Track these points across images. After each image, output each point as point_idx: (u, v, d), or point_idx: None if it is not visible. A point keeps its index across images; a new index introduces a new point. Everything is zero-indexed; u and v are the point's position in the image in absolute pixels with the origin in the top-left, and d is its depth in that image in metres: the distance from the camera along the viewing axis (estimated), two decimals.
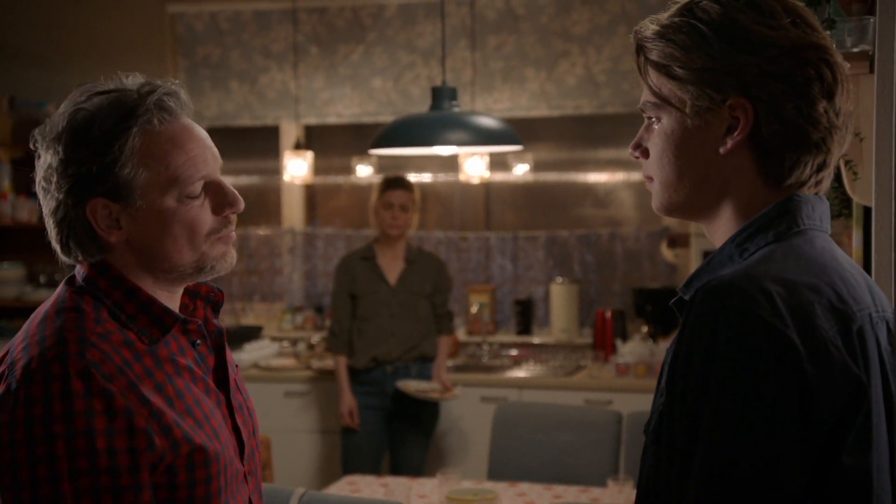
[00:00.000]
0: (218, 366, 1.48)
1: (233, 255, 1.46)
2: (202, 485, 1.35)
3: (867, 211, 2.25)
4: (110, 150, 1.34)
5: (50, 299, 1.41)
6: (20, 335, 1.36)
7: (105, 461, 1.26)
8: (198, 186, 1.39)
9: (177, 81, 1.43)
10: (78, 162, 1.34)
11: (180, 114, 1.40)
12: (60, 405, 1.26)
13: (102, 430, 1.27)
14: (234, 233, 1.45)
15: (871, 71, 1.91)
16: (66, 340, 1.30)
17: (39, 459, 1.25)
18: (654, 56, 1.23)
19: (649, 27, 1.25)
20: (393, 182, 4.47)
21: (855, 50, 1.92)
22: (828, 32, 1.25)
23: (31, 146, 1.40)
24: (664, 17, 1.24)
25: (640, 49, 1.26)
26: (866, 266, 2.21)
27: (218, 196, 1.42)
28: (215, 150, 1.44)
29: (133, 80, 1.40)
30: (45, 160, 1.37)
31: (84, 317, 1.34)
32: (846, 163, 2.00)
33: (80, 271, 1.42)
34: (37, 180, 1.40)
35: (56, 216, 1.38)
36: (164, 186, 1.37)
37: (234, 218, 1.44)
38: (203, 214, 1.40)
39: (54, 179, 1.36)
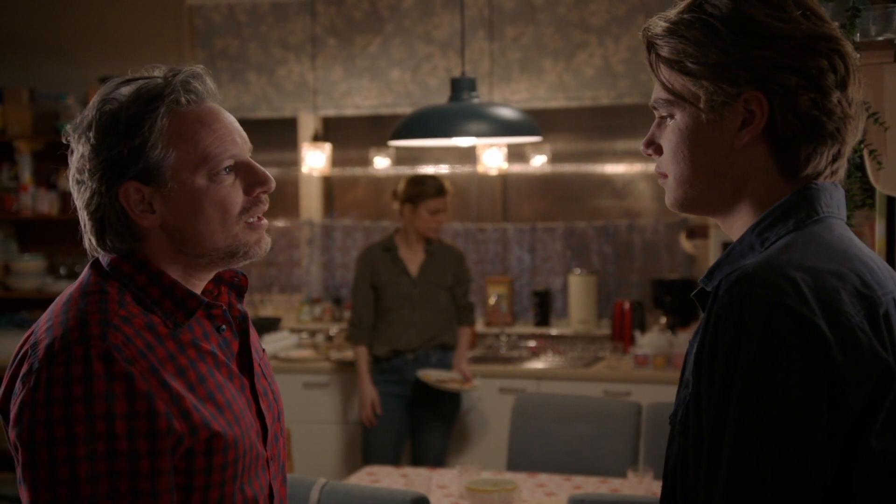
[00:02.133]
0: (242, 350, 1.49)
1: (267, 241, 1.46)
2: (218, 471, 1.36)
3: (890, 201, 2.24)
4: (139, 131, 1.36)
5: (75, 283, 1.42)
6: (45, 316, 1.37)
7: (124, 445, 1.27)
8: (227, 164, 1.40)
9: (202, 66, 1.44)
10: (109, 147, 1.36)
11: (206, 97, 1.42)
12: (81, 387, 1.26)
13: (122, 414, 1.27)
14: (265, 220, 1.45)
15: None
16: (89, 323, 1.31)
17: (58, 441, 1.26)
18: (665, 52, 1.24)
19: (659, 24, 1.25)
20: (438, 188, 4.42)
21: (879, 39, 1.91)
22: (836, 24, 1.25)
23: (64, 141, 1.42)
24: (673, 13, 1.25)
25: (650, 46, 1.26)
26: (889, 256, 2.20)
27: (248, 176, 1.43)
28: (243, 132, 1.45)
29: (159, 70, 1.43)
30: (78, 151, 1.39)
31: (108, 299, 1.35)
32: (870, 152, 1.99)
33: (103, 256, 1.42)
34: (70, 175, 1.41)
35: (90, 207, 1.39)
36: (195, 166, 1.38)
37: (265, 198, 1.44)
38: (234, 194, 1.41)
39: (87, 168, 1.38)
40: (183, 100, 1.38)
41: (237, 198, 1.41)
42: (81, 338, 1.29)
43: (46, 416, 1.26)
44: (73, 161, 1.40)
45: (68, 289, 1.42)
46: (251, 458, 1.42)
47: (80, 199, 1.41)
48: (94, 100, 1.40)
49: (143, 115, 1.36)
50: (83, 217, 1.41)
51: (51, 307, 1.39)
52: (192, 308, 1.41)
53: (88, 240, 1.42)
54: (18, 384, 1.31)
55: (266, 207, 1.45)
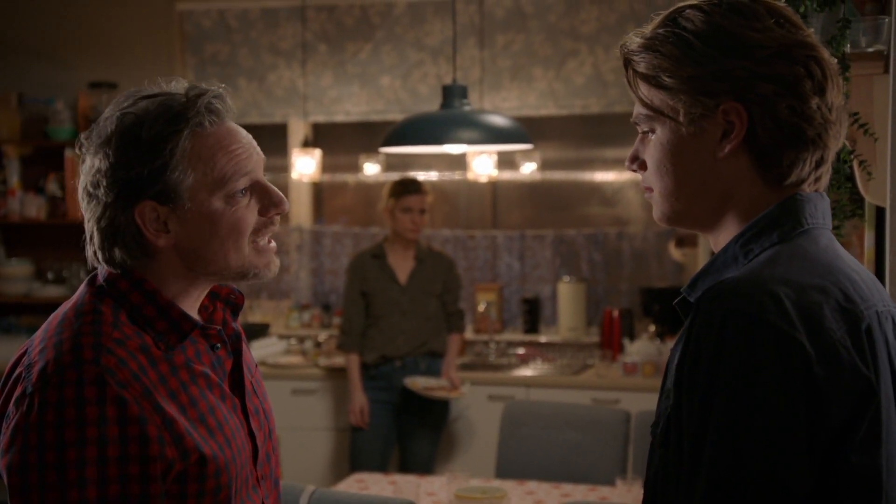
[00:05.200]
0: (234, 369, 1.47)
1: (276, 263, 1.46)
2: (211, 495, 1.35)
3: (879, 211, 2.25)
4: (161, 153, 1.34)
5: (71, 299, 1.41)
6: (38, 336, 1.36)
7: (115, 470, 1.26)
8: (242, 183, 1.39)
9: (223, 86, 1.43)
10: (128, 165, 1.34)
11: (226, 117, 1.41)
12: (73, 411, 1.25)
13: (115, 438, 1.26)
14: (273, 243, 1.45)
15: (886, 71, 1.91)
16: (82, 346, 1.30)
17: (49, 465, 1.24)
18: (642, 68, 1.24)
19: (634, 40, 1.25)
20: (411, 186, 4.45)
21: (869, 50, 1.92)
22: (811, 30, 1.25)
23: (77, 151, 1.40)
24: (648, 29, 1.25)
25: (627, 63, 1.27)
26: (879, 267, 2.21)
27: (264, 197, 1.42)
28: (259, 149, 1.45)
29: (177, 85, 1.41)
30: (93, 165, 1.36)
31: (102, 320, 1.34)
32: (860, 163, 2.00)
33: (101, 271, 1.41)
34: (81, 186, 1.39)
35: (101, 222, 1.37)
36: (212, 188, 1.37)
37: (277, 220, 1.44)
38: (248, 215, 1.40)
39: (103, 184, 1.35)
40: (206, 122, 1.37)
41: (251, 218, 1.41)
42: (74, 362, 1.28)
43: (38, 439, 1.25)
44: (86, 172, 1.38)
45: (63, 306, 1.40)
46: (242, 479, 1.41)
47: (89, 212, 1.38)
48: (111, 112, 1.38)
49: (166, 136, 1.34)
50: (91, 229, 1.39)
51: (45, 325, 1.38)
52: (187, 330, 1.39)
53: (93, 252, 1.40)
54: (12, 407, 1.30)
55: (276, 228, 1.45)
